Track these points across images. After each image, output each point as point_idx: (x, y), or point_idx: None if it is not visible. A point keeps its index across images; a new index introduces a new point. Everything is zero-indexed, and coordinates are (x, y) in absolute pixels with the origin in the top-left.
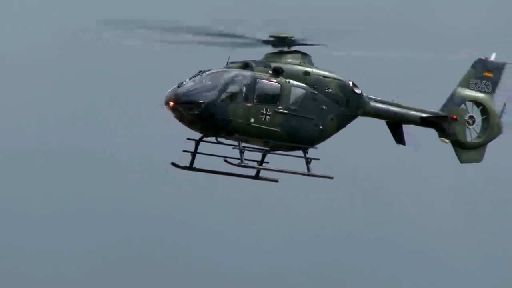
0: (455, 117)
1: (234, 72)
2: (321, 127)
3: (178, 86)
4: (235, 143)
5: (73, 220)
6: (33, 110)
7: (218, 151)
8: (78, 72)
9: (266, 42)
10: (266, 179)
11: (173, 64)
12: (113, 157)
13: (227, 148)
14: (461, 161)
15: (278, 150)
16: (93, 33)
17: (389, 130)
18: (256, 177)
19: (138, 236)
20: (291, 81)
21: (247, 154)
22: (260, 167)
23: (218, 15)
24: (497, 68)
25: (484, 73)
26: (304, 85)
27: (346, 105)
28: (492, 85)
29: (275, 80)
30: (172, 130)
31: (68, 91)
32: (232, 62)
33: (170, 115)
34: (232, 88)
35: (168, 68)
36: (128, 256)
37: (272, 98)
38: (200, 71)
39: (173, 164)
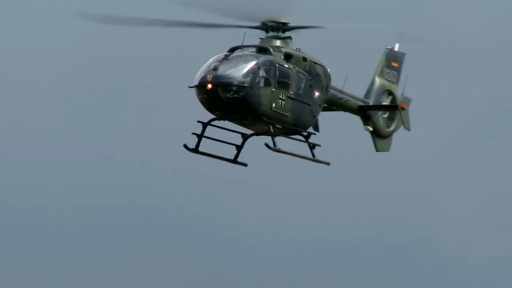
0: (404, 106)
1: (263, 56)
2: (314, 113)
3: (214, 69)
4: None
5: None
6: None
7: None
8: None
9: (259, 27)
10: (239, 163)
11: (168, 53)
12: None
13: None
14: (377, 150)
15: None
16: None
17: None
18: (234, 160)
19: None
20: (296, 67)
21: (229, 137)
22: (286, 151)
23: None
24: (400, 59)
25: (392, 63)
26: (304, 71)
27: (326, 91)
28: (397, 75)
29: (287, 66)
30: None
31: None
32: (244, 46)
33: (196, 97)
34: (264, 73)
35: (162, 56)
36: (128, 257)
37: (286, 84)
38: (226, 54)
39: (185, 146)
